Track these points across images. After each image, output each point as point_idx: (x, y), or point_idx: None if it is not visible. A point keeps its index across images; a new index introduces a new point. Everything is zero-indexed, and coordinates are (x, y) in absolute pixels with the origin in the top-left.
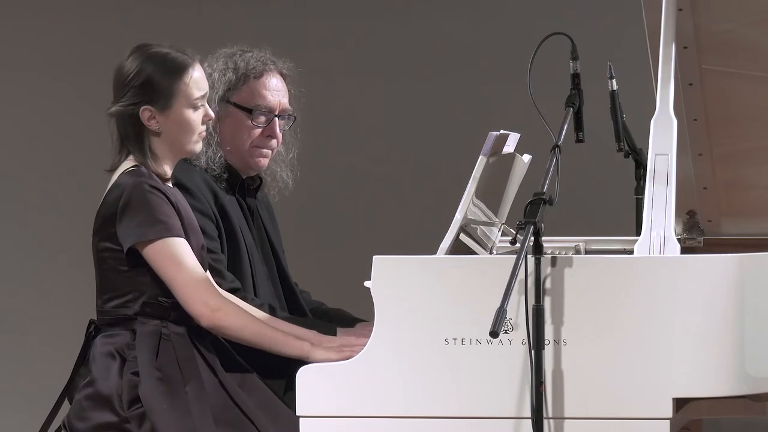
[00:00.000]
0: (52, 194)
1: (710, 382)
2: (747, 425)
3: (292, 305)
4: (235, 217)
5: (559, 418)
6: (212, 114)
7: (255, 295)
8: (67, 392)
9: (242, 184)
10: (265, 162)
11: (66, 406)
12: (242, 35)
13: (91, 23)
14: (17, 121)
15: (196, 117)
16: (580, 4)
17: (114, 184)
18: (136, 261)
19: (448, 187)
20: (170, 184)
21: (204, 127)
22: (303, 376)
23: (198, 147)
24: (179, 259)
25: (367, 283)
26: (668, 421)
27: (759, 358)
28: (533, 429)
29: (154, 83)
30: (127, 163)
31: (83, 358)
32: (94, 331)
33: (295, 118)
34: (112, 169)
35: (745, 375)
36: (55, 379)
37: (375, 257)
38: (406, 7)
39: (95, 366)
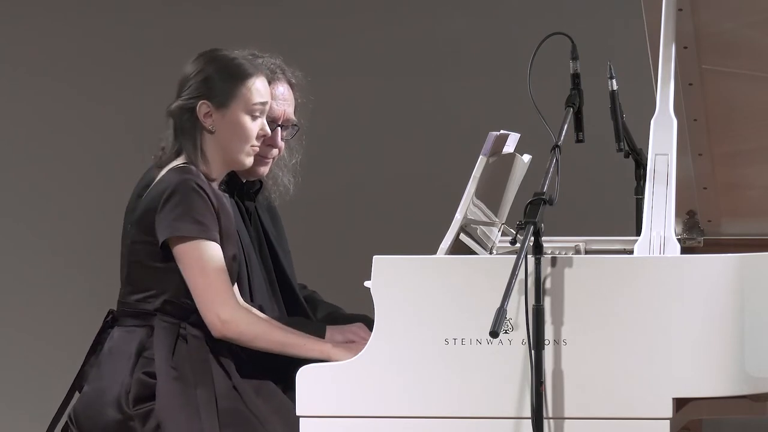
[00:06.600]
0: (52, 194)
1: (710, 382)
2: (747, 425)
3: (292, 308)
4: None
5: (559, 418)
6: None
7: (251, 298)
8: (78, 382)
9: (241, 187)
10: (264, 170)
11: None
12: (242, 35)
13: (91, 23)
14: (17, 121)
15: (251, 126)
16: (580, 4)
17: (161, 178)
18: (168, 258)
19: (448, 187)
20: (216, 187)
21: (258, 143)
22: (303, 376)
23: (249, 161)
24: (205, 263)
25: (367, 283)
26: (668, 421)
27: (759, 358)
28: (533, 429)
29: (214, 80)
30: (177, 161)
31: (96, 347)
32: (111, 321)
33: (298, 128)
34: (161, 165)
35: (745, 375)
36: (55, 378)
37: (375, 257)
38: (405, 7)
39: (107, 362)
